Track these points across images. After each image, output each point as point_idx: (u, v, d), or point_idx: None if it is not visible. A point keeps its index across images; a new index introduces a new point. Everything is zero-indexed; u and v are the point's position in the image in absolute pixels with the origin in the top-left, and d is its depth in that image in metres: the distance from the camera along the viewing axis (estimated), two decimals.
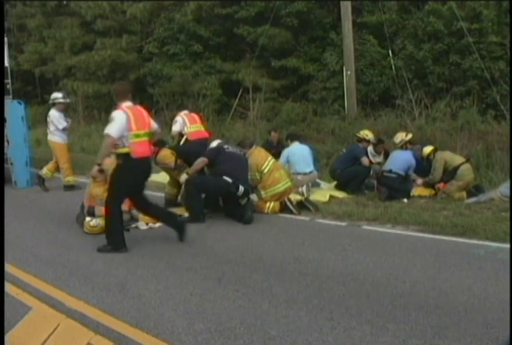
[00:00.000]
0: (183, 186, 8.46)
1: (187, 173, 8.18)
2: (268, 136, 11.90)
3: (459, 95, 14.52)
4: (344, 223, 7.83)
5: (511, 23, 13.00)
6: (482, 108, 14.03)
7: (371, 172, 10.05)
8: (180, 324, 4.21)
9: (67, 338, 4.05)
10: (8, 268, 5.58)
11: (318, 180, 10.44)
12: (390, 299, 4.67)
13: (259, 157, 8.68)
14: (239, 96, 17.53)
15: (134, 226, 7.63)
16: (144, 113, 6.55)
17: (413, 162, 9.56)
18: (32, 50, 23.46)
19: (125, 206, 7.75)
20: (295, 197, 8.94)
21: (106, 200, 6.55)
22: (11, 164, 10.92)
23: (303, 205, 8.66)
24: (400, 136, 10.25)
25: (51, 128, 10.61)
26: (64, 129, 10.61)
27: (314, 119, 16.05)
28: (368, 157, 10.22)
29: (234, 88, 18.06)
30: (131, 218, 7.80)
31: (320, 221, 8.07)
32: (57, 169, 10.79)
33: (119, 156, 6.42)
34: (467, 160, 9.56)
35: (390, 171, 9.38)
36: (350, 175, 9.95)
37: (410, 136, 10.30)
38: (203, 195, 8.14)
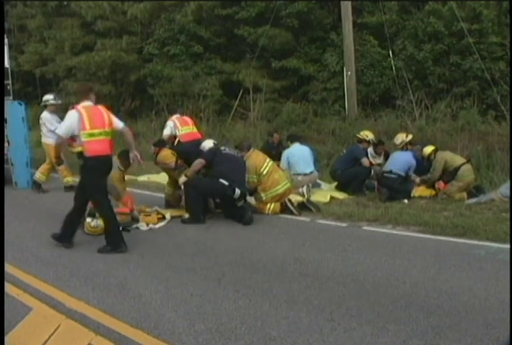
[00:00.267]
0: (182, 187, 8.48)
1: (185, 175, 8.18)
2: (269, 138, 11.87)
3: (459, 95, 14.51)
4: (344, 224, 7.83)
5: (511, 23, 13.00)
6: (482, 109, 14.01)
7: (371, 173, 10.05)
8: (180, 325, 4.21)
9: (68, 338, 4.05)
10: (9, 268, 5.58)
11: (318, 181, 10.45)
12: (390, 300, 4.67)
13: (258, 159, 8.68)
14: (239, 97, 17.53)
15: (134, 226, 7.64)
16: (104, 112, 6.60)
17: (414, 162, 9.57)
18: (33, 51, 23.44)
19: (126, 208, 7.78)
20: (295, 198, 8.95)
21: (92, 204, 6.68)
22: (12, 164, 10.93)
23: (304, 206, 8.67)
24: (401, 137, 10.25)
25: (44, 130, 10.62)
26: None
27: (315, 120, 16.04)
28: (368, 157, 10.22)
29: (234, 89, 18.05)
30: (132, 219, 7.80)
31: (320, 221, 8.07)
32: (51, 170, 10.74)
33: (78, 156, 6.61)
34: (468, 161, 9.56)
35: (391, 172, 9.39)
36: (350, 175, 9.95)
37: (410, 137, 10.31)
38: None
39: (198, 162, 8.12)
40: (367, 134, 10.55)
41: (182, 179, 8.17)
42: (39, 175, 10.65)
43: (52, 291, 5.02)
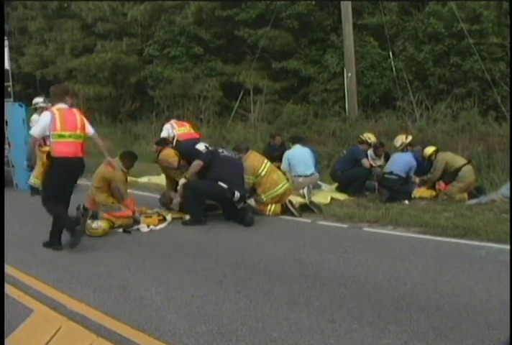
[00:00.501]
0: (179, 189, 8.50)
1: (185, 177, 8.17)
2: (271, 140, 11.85)
3: (459, 96, 14.52)
4: (345, 225, 7.83)
5: (511, 24, 13.00)
6: (482, 110, 14.03)
7: (371, 174, 10.04)
8: (181, 326, 4.20)
9: (69, 340, 4.05)
10: (10, 270, 5.58)
11: (319, 182, 10.45)
12: (391, 301, 4.67)
13: (255, 160, 8.69)
14: (239, 98, 17.54)
15: (135, 228, 7.64)
16: (78, 116, 6.70)
17: (414, 163, 9.57)
18: (33, 53, 23.47)
19: (129, 211, 7.78)
20: (296, 199, 8.95)
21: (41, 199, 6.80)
22: (12, 166, 10.93)
23: (305, 208, 8.67)
24: (401, 139, 10.25)
25: None
26: None
27: (315, 121, 16.05)
28: (368, 159, 10.21)
29: (234, 90, 18.07)
30: (133, 220, 7.80)
31: (321, 222, 8.07)
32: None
33: (46, 156, 6.68)
34: (469, 162, 9.55)
35: (391, 173, 9.38)
36: (350, 176, 9.95)
37: (410, 138, 10.31)
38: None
39: (196, 164, 8.11)
40: (370, 137, 10.52)
41: (182, 181, 8.17)
42: (33, 179, 10.44)
43: (52, 293, 5.02)
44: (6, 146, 10.70)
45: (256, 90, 17.55)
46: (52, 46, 23.03)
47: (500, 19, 14.52)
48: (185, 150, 8.89)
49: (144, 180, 11.91)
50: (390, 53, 15.45)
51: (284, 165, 9.91)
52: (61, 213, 6.69)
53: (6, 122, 10.60)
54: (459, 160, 9.55)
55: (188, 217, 7.99)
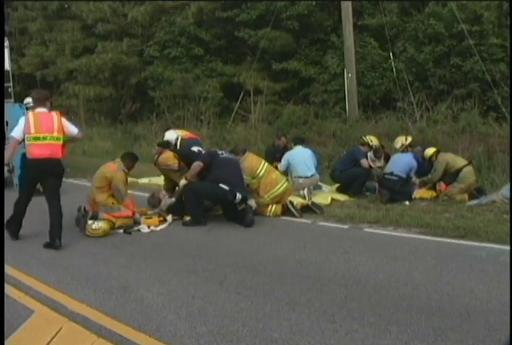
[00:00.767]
0: (177, 190, 8.51)
1: (185, 178, 8.17)
2: (276, 140, 11.83)
3: (460, 97, 14.53)
4: (345, 226, 7.83)
5: (511, 25, 13.01)
6: (483, 111, 14.03)
7: (371, 174, 10.03)
8: (182, 327, 4.20)
9: (70, 341, 4.05)
10: (10, 271, 5.59)
11: (319, 183, 10.44)
12: (392, 301, 4.67)
13: (253, 161, 8.72)
14: (240, 99, 17.55)
15: (136, 229, 7.64)
16: (55, 119, 6.92)
17: (415, 164, 9.56)
18: (34, 54, 23.50)
19: (129, 211, 7.78)
20: (297, 200, 8.95)
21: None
22: (13, 167, 10.92)
23: (307, 209, 8.67)
24: (401, 141, 10.25)
25: None
26: None
27: (315, 122, 16.06)
28: (368, 160, 10.18)
29: (235, 91, 18.09)
30: (134, 221, 7.80)
31: (322, 223, 8.06)
32: None
33: (22, 157, 7.07)
34: (469, 163, 9.55)
35: (392, 173, 9.38)
36: (350, 176, 9.94)
37: (410, 139, 10.30)
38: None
39: (197, 165, 8.10)
40: (372, 139, 10.46)
41: (182, 181, 8.16)
42: None
43: (53, 294, 5.02)
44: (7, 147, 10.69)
45: (256, 91, 17.56)
46: (52, 47, 23.07)
47: (500, 20, 14.52)
48: (184, 152, 8.89)
49: (144, 180, 11.91)
50: (391, 54, 15.46)
51: (282, 165, 9.93)
52: (17, 212, 7.03)
53: (7, 123, 10.59)
54: (459, 161, 9.55)
55: (188, 218, 7.98)
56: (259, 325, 4.21)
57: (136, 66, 20.76)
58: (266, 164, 8.84)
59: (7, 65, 11.48)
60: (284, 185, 8.69)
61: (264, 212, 8.48)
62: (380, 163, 10.20)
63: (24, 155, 7.11)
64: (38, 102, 7.16)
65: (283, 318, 4.34)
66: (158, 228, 7.75)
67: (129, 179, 8.73)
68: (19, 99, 13.08)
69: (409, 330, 4.05)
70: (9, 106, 10.81)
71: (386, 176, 9.46)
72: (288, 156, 10.03)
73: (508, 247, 6.05)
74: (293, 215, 8.39)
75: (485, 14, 14.32)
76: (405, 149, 10.09)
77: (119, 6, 21.39)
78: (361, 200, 9.52)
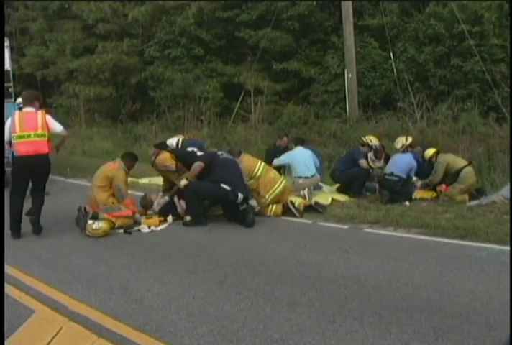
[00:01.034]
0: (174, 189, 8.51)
1: (186, 178, 8.17)
2: (277, 140, 11.81)
3: (460, 97, 14.52)
4: (346, 226, 7.83)
5: (511, 25, 13.00)
6: (483, 111, 14.02)
7: (370, 174, 10.03)
8: (182, 327, 4.21)
9: (70, 341, 4.06)
10: (10, 271, 5.60)
11: (320, 183, 10.44)
12: (392, 302, 4.67)
13: (250, 162, 8.73)
14: (240, 99, 17.55)
15: (136, 229, 7.64)
16: (40, 117, 7.28)
17: (415, 164, 9.55)
18: (34, 54, 23.50)
19: (129, 211, 7.79)
20: (298, 200, 8.95)
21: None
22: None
23: (308, 208, 8.66)
24: (401, 141, 10.26)
25: None
26: None
27: (316, 122, 16.05)
28: (367, 160, 10.17)
29: (235, 91, 18.08)
30: (134, 222, 7.81)
31: (322, 223, 8.07)
32: None
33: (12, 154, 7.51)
34: (469, 163, 9.54)
35: (392, 174, 9.37)
36: (349, 176, 9.93)
37: (410, 139, 10.32)
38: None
39: (197, 165, 8.10)
40: (372, 139, 10.46)
41: (183, 182, 8.15)
42: None
43: (53, 293, 5.03)
44: (7, 147, 10.69)
45: (257, 91, 17.56)
46: (52, 47, 23.07)
47: (500, 21, 14.51)
48: (181, 153, 8.89)
49: (144, 181, 11.92)
50: (391, 54, 15.46)
51: (278, 160, 9.98)
52: (13, 208, 7.25)
53: None
54: (460, 162, 9.54)
55: (188, 218, 7.98)
56: (259, 325, 4.22)
57: (137, 66, 20.75)
58: (263, 163, 8.86)
59: (8, 65, 11.47)
60: (283, 183, 8.70)
61: (264, 212, 8.48)
62: (379, 164, 10.18)
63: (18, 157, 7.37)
64: (26, 102, 7.52)
65: (284, 318, 4.34)
66: (158, 228, 7.76)
67: (129, 179, 8.75)
68: None
69: (409, 331, 4.05)
70: (9, 106, 10.79)
71: (386, 176, 9.45)
72: (288, 156, 10.04)
73: (508, 248, 6.05)
74: (294, 216, 8.39)
75: (486, 15, 14.31)
76: (405, 149, 10.09)
77: (120, 6, 21.38)
78: (361, 200, 9.52)
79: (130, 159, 8.13)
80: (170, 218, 8.07)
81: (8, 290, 4.93)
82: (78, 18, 22.45)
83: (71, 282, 5.40)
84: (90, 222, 7.33)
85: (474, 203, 8.90)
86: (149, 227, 7.72)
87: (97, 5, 21.34)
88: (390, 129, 13.83)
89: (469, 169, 9.35)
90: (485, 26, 14.29)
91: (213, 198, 8.17)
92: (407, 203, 9.15)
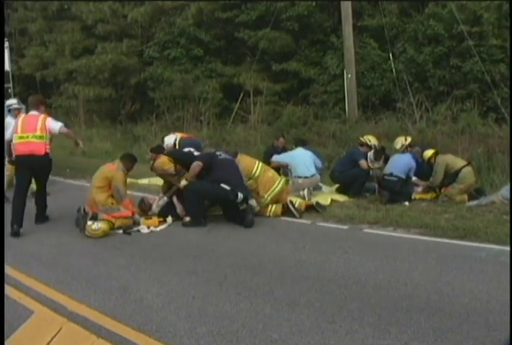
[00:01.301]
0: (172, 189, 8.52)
1: (186, 179, 8.16)
2: (274, 141, 11.88)
3: (459, 98, 14.53)
4: (345, 227, 7.83)
5: (511, 26, 13.02)
6: (482, 111, 14.03)
7: (370, 174, 10.03)
8: (182, 327, 4.21)
9: (70, 341, 4.06)
10: (10, 271, 5.59)
11: (319, 184, 10.44)
12: (391, 302, 4.67)
13: (248, 162, 8.73)
14: (239, 100, 17.55)
15: (135, 229, 7.64)
16: (40, 120, 7.76)
17: (414, 164, 9.55)
18: (33, 54, 23.50)
19: (128, 211, 7.79)
20: (298, 200, 8.94)
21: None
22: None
23: (310, 208, 8.66)
24: (400, 142, 10.27)
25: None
26: None
27: (315, 123, 16.05)
28: (367, 161, 10.17)
29: (234, 92, 18.09)
30: (134, 222, 7.80)
31: (321, 224, 8.06)
32: None
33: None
34: (469, 163, 9.54)
35: (391, 174, 9.37)
36: (349, 177, 9.93)
37: (409, 139, 10.33)
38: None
39: (196, 165, 8.08)
40: (370, 139, 10.48)
41: (183, 182, 8.15)
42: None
43: (53, 294, 5.03)
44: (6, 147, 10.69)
45: (256, 92, 17.57)
46: (52, 47, 23.07)
47: (500, 21, 14.53)
48: (178, 155, 8.89)
49: (144, 181, 11.91)
50: (390, 55, 15.47)
51: (277, 157, 10.02)
52: (16, 205, 7.57)
53: None
54: (459, 162, 9.53)
55: (188, 219, 7.98)
56: (259, 325, 4.22)
57: (136, 67, 20.76)
58: (261, 163, 8.86)
59: (7, 66, 11.49)
60: (282, 183, 8.71)
61: (264, 212, 8.47)
62: (378, 164, 10.18)
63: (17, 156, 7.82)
64: (32, 106, 8.09)
65: (283, 319, 4.34)
66: (158, 229, 7.76)
67: (129, 180, 8.75)
68: (19, 100, 13.10)
69: (409, 331, 4.05)
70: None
71: (386, 177, 9.45)
72: (288, 156, 10.08)
73: (507, 248, 6.05)
74: (293, 216, 8.38)
75: (485, 15, 14.33)
76: (405, 149, 10.10)
77: (119, 6, 21.40)
78: (360, 200, 9.52)
79: (129, 161, 8.12)
80: (169, 219, 8.07)
81: (8, 290, 4.93)
82: (78, 19, 22.45)
83: (71, 282, 5.40)
84: (89, 223, 7.33)
85: (474, 203, 8.90)
86: (148, 228, 7.71)
87: (96, 6, 21.34)
88: (389, 130, 13.84)
89: (468, 170, 9.35)
90: (484, 27, 14.32)
91: (213, 198, 8.17)
92: (406, 203, 9.15)
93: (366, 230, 7.62)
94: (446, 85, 15.04)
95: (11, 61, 13.20)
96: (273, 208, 8.50)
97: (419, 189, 9.75)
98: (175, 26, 19.63)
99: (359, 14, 16.60)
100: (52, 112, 9.08)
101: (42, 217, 8.17)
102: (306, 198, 9.39)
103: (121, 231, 7.53)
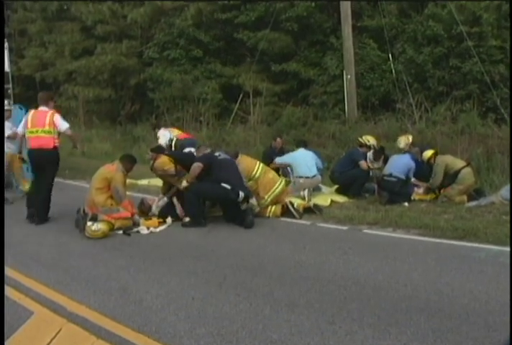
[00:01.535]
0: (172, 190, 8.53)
1: (186, 180, 8.16)
2: (272, 142, 11.93)
3: (459, 98, 14.54)
4: (345, 227, 7.83)
5: (511, 26, 13.02)
6: (482, 112, 14.04)
7: (370, 175, 10.03)
8: (181, 328, 4.21)
9: (70, 342, 4.05)
10: (10, 272, 5.58)
11: (319, 185, 10.44)
12: (391, 303, 4.67)
13: (248, 163, 8.75)
14: (239, 101, 17.55)
15: (135, 230, 7.64)
16: (48, 115, 8.20)
17: (413, 165, 9.55)
18: (33, 55, 23.51)
19: (128, 212, 7.79)
20: (298, 201, 8.94)
21: None
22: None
23: (307, 210, 8.66)
24: (404, 141, 10.29)
25: None
26: (9, 137, 9.96)
27: (315, 123, 16.07)
28: (367, 161, 10.18)
29: (234, 93, 18.09)
30: (133, 223, 7.80)
31: (321, 225, 8.07)
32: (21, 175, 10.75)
33: None
34: (468, 164, 9.54)
35: (391, 175, 9.37)
36: (349, 178, 9.94)
37: (411, 137, 10.39)
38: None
39: (196, 166, 8.07)
40: (369, 139, 10.50)
41: (184, 184, 8.15)
42: (24, 187, 10.45)
43: (53, 295, 5.02)
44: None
45: (255, 93, 17.58)
46: (51, 48, 23.08)
47: (499, 22, 14.54)
48: (179, 156, 8.89)
49: (143, 182, 11.92)
50: (390, 55, 15.48)
51: (280, 158, 10.05)
52: (28, 199, 8.45)
53: None
54: (458, 163, 9.53)
55: (187, 219, 7.98)
56: (258, 326, 4.22)
57: (136, 68, 20.77)
58: (261, 164, 8.86)
59: (7, 67, 11.50)
60: (282, 184, 8.72)
61: (263, 213, 8.48)
62: (378, 164, 10.18)
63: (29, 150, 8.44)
64: (41, 102, 8.44)
65: (283, 319, 4.34)
66: (157, 230, 7.75)
67: (128, 180, 8.76)
68: (19, 101, 13.11)
69: (408, 332, 4.05)
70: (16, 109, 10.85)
71: (385, 177, 9.45)
72: (289, 156, 10.12)
73: (507, 248, 6.06)
74: (293, 217, 8.39)
75: (484, 16, 14.34)
76: (409, 147, 10.12)
77: (119, 7, 21.40)
78: (360, 201, 9.53)
79: (129, 162, 8.11)
80: (169, 220, 8.07)
81: (8, 291, 4.92)
82: (77, 19, 22.45)
83: (70, 283, 5.39)
84: (89, 223, 7.33)
85: (473, 203, 8.91)
86: (148, 228, 7.71)
87: (96, 6, 21.35)
88: (389, 130, 13.86)
89: (468, 171, 9.35)
90: (483, 27, 14.33)
91: (214, 198, 8.17)
92: (406, 203, 9.16)
93: (365, 231, 7.62)
94: (445, 86, 15.05)
95: (11, 62, 13.18)
96: (273, 209, 8.51)
97: (420, 190, 9.75)
98: (174, 27, 19.63)
99: (358, 15, 16.61)
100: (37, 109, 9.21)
101: (42, 217, 8.22)
102: (306, 199, 9.39)
103: (120, 232, 7.53)
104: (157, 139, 11.85)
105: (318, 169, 10.05)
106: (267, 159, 10.48)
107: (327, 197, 9.80)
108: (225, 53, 19.97)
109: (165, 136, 11.21)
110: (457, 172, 9.29)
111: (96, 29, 21.58)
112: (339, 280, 5.35)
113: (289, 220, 8.35)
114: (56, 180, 10.89)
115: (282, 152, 10.97)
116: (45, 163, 8.24)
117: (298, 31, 17.50)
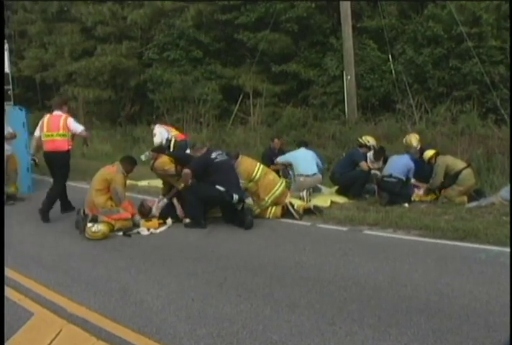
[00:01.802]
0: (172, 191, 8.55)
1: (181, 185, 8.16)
2: (270, 143, 11.95)
3: (459, 99, 14.54)
4: (345, 228, 7.83)
5: (511, 27, 13.02)
6: (482, 113, 14.04)
7: (370, 177, 10.03)
8: (182, 329, 4.21)
9: (70, 343, 4.05)
10: (10, 273, 5.58)
11: (319, 185, 10.44)
12: (391, 303, 4.67)
13: (249, 164, 8.72)
14: (239, 102, 17.56)
15: (135, 231, 7.64)
16: (62, 119, 8.70)
17: (412, 165, 9.54)
18: (33, 56, 23.48)
19: (128, 213, 7.79)
20: (298, 203, 8.94)
21: None
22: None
23: (309, 211, 8.66)
24: (415, 139, 10.30)
25: None
26: (5, 138, 9.86)
27: (315, 124, 16.07)
28: (367, 162, 10.18)
29: (234, 94, 18.10)
30: (134, 224, 7.80)
31: (321, 226, 8.06)
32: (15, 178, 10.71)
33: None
34: (468, 165, 9.53)
35: (390, 176, 9.36)
36: (349, 179, 9.94)
37: (418, 136, 10.44)
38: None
39: (184, 174, 8.00)
40: (369, 140, 10.52)
41: (183, 184, 8.14)
42: (10, 188, 10.32)
43: (53, 296, 5.02)
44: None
45: (255, 94, 17.58)
46: (51, 49, 23.06)
47: (499, 22, 14.55)
48: (180, 156, 8.88)
49: (144, 183, 11.91)
50: (390, 56, 15.49)
51: (282, 157, 10.15)
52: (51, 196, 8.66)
53: None
54: (459, 163, 9.51)
55: (188, 220, 7.98)
56: (258, 327, 4.22)
57: (136, 69, 20.75)
58: (261, 166, 8.85)
59: (7, 68, 11.50)
60: (282, 185, 8.71)
61: (264, 214, 8.47)
62: (378, 165, 10.18)
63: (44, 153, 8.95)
64: (55, 106, 9.04)
65: (283, 320, 4.34)
66: (158, 231, 7.75)
67: (129, 182, 8.76)
68: (19, 102, 13.11)
69: (409, 332, 4.05)
70: (9, 108, 10.81)
71: (385, 178, 9.44)
72: (290, 155, 10.16)
73: (507, 249, 6.07)
74: (293, 218, 8.38)
75: (484, 16, 14.35)
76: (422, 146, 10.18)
77: (119, 8, 21.37)
78: (360, 202, 9.52)
79: (129, 163, 8.11)
80: (169, 221, 8.07)
81: (8, 292, 4.92)
82: (77, 20, 22.42)
83: (70, 284, 5.39)
84: (89, 225, 7.33)
85: (473, 204, 8.90)
86: (148, 229, 7.71)
87: (96, 7, 21.32)
88: (388, 131, 13.86)
89: (468, 171, 9.34)
90: (483, 28, 14.34)
91: (210, 200, 8.16)
92: (406, 204, 9.15)
93: (366, 231, 7.62)
94: (445, 87, 15.06)
95: (11, 63, 13.20)
96: (273, 210, 8.50)
97: (420, 191, 9.74)
98: (174, 28, 19.63)
99: (358, 16, 16.62)
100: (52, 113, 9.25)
101: (43, 217, 8.33)
102: (305, 200, 9.39)
103: (121, 233, 7.53)
104: (153, 136, 11.85)
105: (319, 168, 10.05)
106: (267, 160, 10.49)
107: (327, 198, 9.79)
108: (225, 54, 19.97)
109: (161, 133, 11.19)
110: (458, 173, 9.28)
111: (96, 30, 21.55)
112: (340, 281, 5.35)
113: (289, 221, 8.35)
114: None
115: (282, 153, 10.97)
116: (55, 166, 8.76)
117: (298, 32, 17.51)
